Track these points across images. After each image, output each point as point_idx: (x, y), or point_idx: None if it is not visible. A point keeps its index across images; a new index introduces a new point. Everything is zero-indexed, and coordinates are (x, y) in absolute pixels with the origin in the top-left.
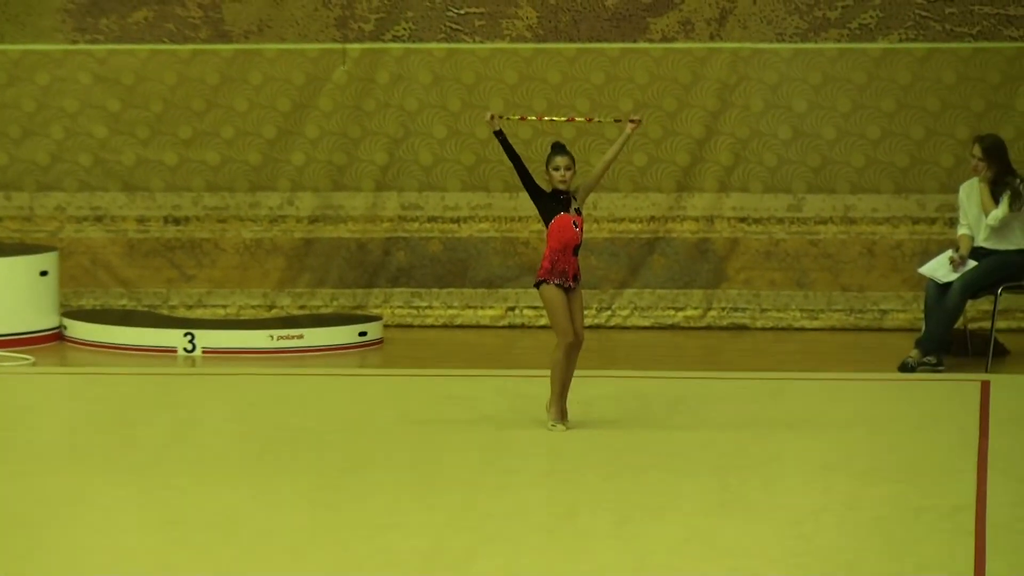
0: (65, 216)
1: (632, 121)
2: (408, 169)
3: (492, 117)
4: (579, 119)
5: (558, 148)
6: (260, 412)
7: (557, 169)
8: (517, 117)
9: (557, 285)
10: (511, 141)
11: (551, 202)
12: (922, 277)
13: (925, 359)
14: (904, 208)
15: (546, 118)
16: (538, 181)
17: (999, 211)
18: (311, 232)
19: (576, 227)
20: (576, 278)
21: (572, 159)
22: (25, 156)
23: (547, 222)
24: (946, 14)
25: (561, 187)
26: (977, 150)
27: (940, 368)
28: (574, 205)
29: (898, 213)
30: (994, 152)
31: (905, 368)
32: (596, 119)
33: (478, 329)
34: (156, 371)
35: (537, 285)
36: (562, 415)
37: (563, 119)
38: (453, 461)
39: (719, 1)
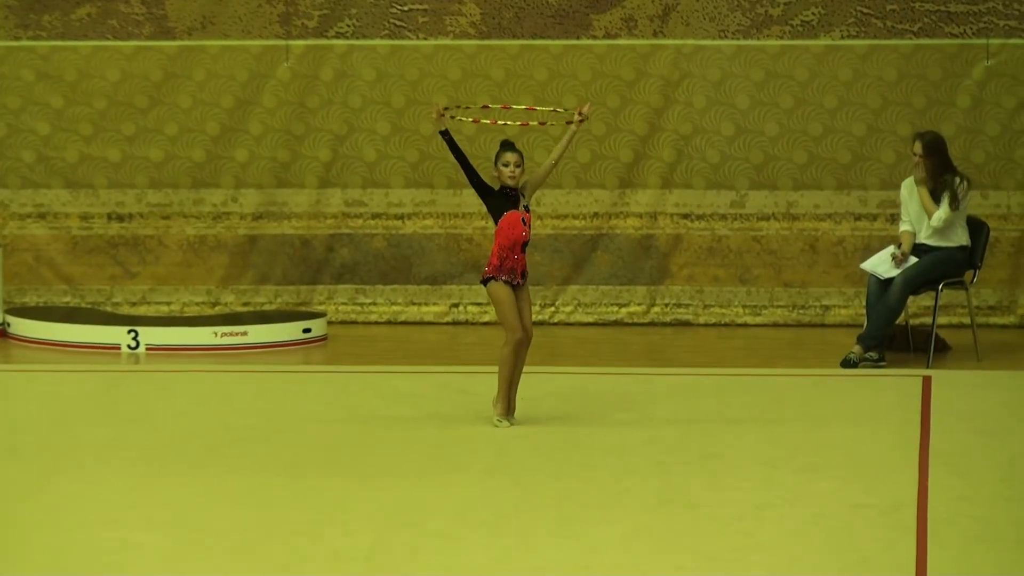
0: (8, 213)
1: (578, 114)
2: (352, 166)
3: (439, 115)
4: (533, 122)
5: (507, 145)
6: (204, 409)
7: (507, 165)
8: (470, 119)
9: (505, 282)
10: (456, 138)
11: (500, 199)
12: (864, 273)
13: (867, 355)
14: (846, 204)
15: (499, 121)
16: (484, 178)
17: (941, 212)
18: (255, 229)
19: (524, 224)
20: (524, 274)
21: (521, 156)
22: None
23: (496, 219)
24: (887, 11)
25: (510, 183)
26: (917, 147)
27: (882, 364)
28: (523, 202)
29: (840, 209)
30: (934, 149)
31: (847, 364)
32: (549, 122)
33: (422, 325)
34: (100, 368)
35: (485, 282)
36: (508, 411)
37: (517, 122)
38: (397, 458)
39: None
